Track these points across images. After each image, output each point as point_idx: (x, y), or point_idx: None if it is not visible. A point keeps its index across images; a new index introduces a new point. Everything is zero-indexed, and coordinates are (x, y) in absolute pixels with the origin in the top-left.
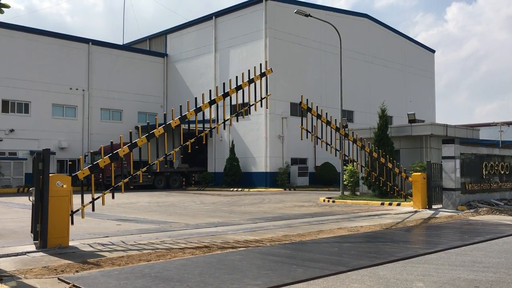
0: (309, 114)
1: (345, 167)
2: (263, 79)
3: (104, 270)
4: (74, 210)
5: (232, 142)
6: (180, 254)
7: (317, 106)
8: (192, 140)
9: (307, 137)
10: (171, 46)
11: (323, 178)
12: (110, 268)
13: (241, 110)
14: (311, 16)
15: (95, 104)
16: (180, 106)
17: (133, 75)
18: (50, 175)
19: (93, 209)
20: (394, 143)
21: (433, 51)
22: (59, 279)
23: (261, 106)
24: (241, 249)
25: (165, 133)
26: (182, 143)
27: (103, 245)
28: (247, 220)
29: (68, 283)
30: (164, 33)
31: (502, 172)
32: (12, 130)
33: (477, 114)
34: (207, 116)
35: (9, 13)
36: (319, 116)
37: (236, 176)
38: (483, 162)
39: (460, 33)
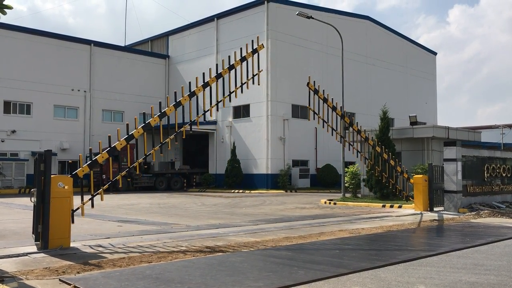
0: (312, 107)
1: (346, 169)
2: (255, 56)
3: (105, 271)
4: (74, 208)
5: (234, 143)
6: (181, 256)
7: (323, 90)
8: (187, 126)
9: (314, 118)
10: (173, 47)
11: (324, 180)
12: (111, 270)
13: (233, 90)
14: (312, 18)
15: (96, 105)
16: (175, 93)
17: (135, 76)
18: (51, 176)
19: (92, 206)
20: (396, 145)
21: (435, 53)
22: (60, 280)
23: (253, 83)
24: (242, 250)
25: (160, 121)
26: (176, 130)
27: (104, 246)
28: (248, 222)
29: (69, 284)
30: (166, 35)
31: (504, 174)
32: (14, 131)
33: (478, 116)
34: (201, 105)
35: (11, 14)
36: (325, 100)
37: (237, 178)
38: (484, 164)
39: (462, 35)
